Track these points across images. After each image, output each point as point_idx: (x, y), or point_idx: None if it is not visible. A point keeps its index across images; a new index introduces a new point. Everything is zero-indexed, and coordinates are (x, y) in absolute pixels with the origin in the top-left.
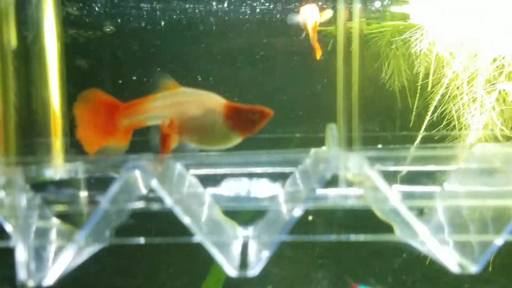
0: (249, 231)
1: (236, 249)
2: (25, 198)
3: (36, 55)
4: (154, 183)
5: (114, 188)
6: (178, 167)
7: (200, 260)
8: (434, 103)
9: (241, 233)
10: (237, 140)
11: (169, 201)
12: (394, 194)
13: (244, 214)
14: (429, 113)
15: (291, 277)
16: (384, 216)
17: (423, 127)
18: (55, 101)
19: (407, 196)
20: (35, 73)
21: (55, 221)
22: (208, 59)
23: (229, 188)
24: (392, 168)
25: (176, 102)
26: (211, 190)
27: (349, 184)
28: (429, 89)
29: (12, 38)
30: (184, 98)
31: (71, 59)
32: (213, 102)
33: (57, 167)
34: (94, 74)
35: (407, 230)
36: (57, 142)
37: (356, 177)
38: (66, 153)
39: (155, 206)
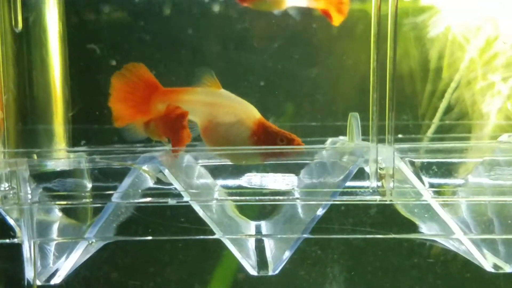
0: (264, 227)
1: (251, 246)
2: (29, 191)
3: (37, 38)
4: (170, 176)
5: (126, 183)
6: (188, 158)
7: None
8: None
9: (254, 228)
10: (257, 161)
11: (187, 197)
12: (427, 190)
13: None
14: (443, 100)
15: (308, 275)
16: (409, 213)
17: (438, 115)
18: (57, 86)
19: (437, 192)
20: (36, 57)
21: (59, 214)
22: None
23: (242, 180)
24: (422, 160)
25: (210, 102)
26: (221, 182)
27: (378, 178)
28: (443, 74)
29: (15, 20)
30: (219, 101)
31: (76, 43)
32: (245, 114)
33: (60, 157)
34: (102, 59)
35: (437, 227)
36: (60, 129)
37: (385, 171)
38: (68, 141)
39: (170, 201)
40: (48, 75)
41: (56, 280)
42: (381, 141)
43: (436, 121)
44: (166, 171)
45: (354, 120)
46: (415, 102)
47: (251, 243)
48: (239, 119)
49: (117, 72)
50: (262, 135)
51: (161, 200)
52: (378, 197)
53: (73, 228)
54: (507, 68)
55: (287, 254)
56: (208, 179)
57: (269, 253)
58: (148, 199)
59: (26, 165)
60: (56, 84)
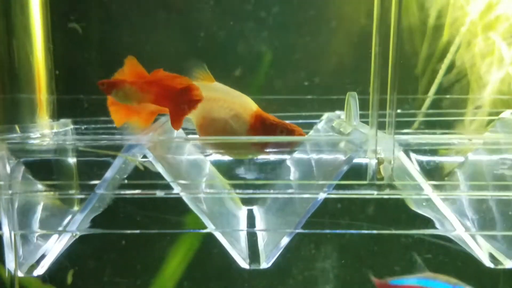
0: (257, 212)
1: (243, 237)
2: (9, 180)
3: (18, 4)
4: (157, 165)
5: (110, 172)
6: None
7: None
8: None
9: (245, 213)
10: (257, 154)
11: (176, 188)
12: (428, 184)
13: None
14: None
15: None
16: (417, 208)
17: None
18: (39, 55)
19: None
20: (17, 24)
21: (42, 199)
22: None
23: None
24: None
25: (205, 97)
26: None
27: (376, 170)
28: (443, 33)
29: None
30: (214, 95)
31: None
32: (242, 106)
33: (44, 131)
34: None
35: (442, 222)
36: (42, 100)
37: (385, 161)
38: (52, 113)
39: (158, 194)
40: (30, 43)
41: (39, 271)
42: (381, 125)
43: (436, 81)
44: (153, 159)
45: (352, 100)
46: (413, 62)
47: (243, 233)
48: (235, 113)
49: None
50: (261, 129)
51: (149, 192)
52: (375, 192)
53: (58, 212)
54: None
55: (281, 244)
56: (199, 155)
57: (261, 243)
58: (136, 191)
59: (6, 150)
60: (38, 53)
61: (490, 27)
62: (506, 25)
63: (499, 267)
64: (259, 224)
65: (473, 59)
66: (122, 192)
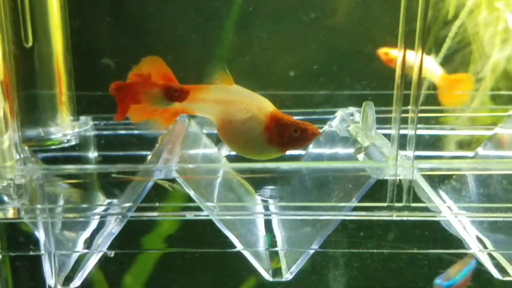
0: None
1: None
2: (47, 204)
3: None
4: (186, 187)
5: (140, 197)
6: (193, 126)
7: None
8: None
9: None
10: (275, 155)
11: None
12: (446, 206)
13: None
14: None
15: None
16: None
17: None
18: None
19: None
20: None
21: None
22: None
23: None
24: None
25: (224, 100)
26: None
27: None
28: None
29: None
30: (233, 98)
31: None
32: (259, 108)
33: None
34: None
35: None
36: (63, 97)
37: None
38: (72, 111)
39: (187, 216)
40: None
41: (76, 282)
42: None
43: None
44: (181, 181)
45: (369, 110)
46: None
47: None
48: (252, 114)
49: (135, 66)
50: (275, 129)
51: (179, 214)
52: (394, 214)
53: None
54: None
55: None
56: (212, 149)
57: (282, 252)
58: (167, 213)
59: (40, 173)
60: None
61: None
62: None
63: (506, 278)
64: (277, 224)
65: (476, 27)
66: (152, 214)
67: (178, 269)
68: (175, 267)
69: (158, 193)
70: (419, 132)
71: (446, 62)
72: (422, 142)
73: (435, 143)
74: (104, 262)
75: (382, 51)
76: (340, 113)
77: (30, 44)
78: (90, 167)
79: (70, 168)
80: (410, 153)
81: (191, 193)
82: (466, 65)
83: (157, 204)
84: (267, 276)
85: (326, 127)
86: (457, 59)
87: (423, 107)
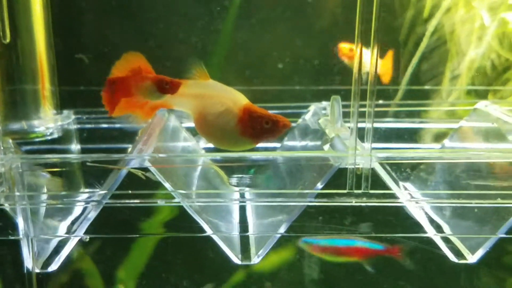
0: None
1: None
2: (25, 192)
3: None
4: (158, 175)
5: (115, 185)
6: (173, 120)
7: None
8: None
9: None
10: (249, 146)
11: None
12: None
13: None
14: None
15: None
16: None
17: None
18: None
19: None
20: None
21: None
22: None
23: None
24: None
25: (200, 94)
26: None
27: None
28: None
29: None
30: (208, 92)
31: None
32: (233, 101)
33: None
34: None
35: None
36: (45, 91)
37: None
38: (55, 105)
39: (159, 203)
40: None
41: (53, 267)
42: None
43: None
44: (154, 170)
45: (335, 104)
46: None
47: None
48: (226, 108)
49: (116, 62)
50: (248, 121)
51: (151, 201)
52: (353, 200)
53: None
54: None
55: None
56: (191, 142)
57: (252, 238)
58: (138, 200)
59: (19, 162)
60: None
61: None
62: None
63: (462, 261)
64: (250, 212)
65: (453, 26)
66: (126, 201)
67: (171, 263)
68: (168, 261)
69: (150, 182)
70: (396, 125)
71: (424, 59)
72: (396, 135)
73: (412, 136)
74: (97, 254)
75: (341, 47)
76: (313, 107)
77: (8, 40)
78: (67, 156)
79: (48, 157)
80: (375, 145)
81: (162, 180)
82: (444, 62)
83: (129, 192)
84: (236, 260)
85: (300, 121)
86: (435, 57)
87: (401, 101)
